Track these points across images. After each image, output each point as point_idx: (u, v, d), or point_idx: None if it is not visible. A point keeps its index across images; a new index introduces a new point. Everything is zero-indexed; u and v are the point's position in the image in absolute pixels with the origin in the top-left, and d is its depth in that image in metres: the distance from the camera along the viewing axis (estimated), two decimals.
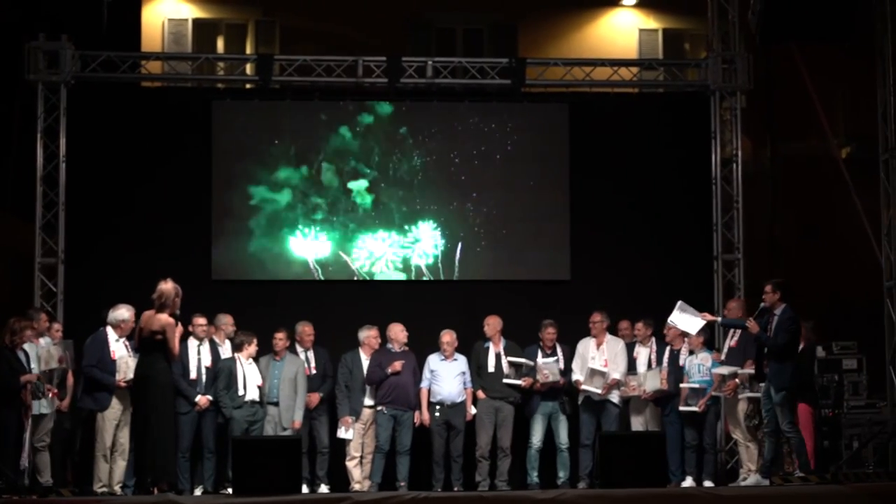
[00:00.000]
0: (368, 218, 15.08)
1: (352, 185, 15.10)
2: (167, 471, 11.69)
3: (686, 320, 12.97)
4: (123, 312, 12.65)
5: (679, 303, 12.99)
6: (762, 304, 12.43)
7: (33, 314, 12.87)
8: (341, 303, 14.85)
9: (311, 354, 13.98)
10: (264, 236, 14.98)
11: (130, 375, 12.35)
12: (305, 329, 14.00)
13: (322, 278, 14.97)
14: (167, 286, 11.61)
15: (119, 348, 12.62)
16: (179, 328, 11.73)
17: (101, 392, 12.49)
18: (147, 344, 11.56)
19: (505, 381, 13.89)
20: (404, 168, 15.15)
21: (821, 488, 11.71)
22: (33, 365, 12.36)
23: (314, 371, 13.91)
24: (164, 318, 11.51)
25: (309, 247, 15.01)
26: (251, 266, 14.97)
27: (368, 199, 15.11)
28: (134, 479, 12.48)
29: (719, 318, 13.23)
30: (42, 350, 12.51)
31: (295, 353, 13.88)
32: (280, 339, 13.73)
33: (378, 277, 15.04)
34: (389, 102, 15.19)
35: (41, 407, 12.50)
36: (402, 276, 15.08)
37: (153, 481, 11.64)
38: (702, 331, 13.35)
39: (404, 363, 13.83)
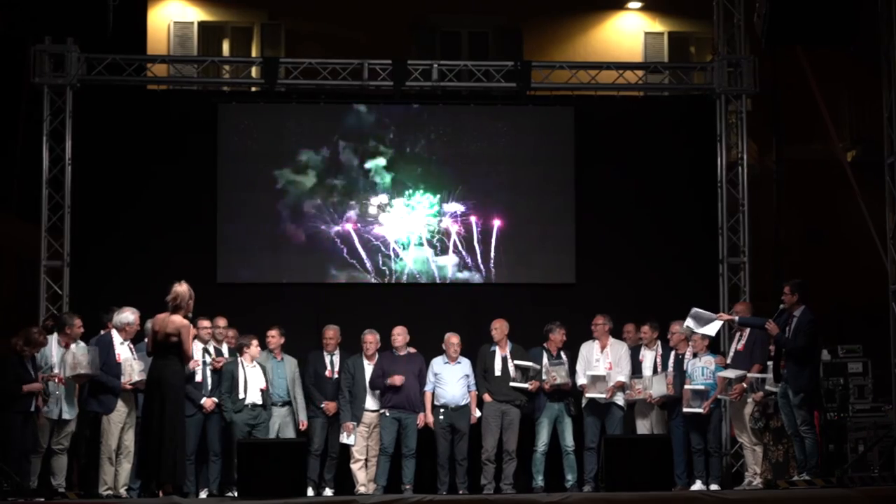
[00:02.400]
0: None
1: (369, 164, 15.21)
2: (177, 472, 11.69)
3: (702, 325, 12.97)
4: (128, 315, 12.66)
5: (693, 310, 13.00)
6: (781, 306, 12.44)
7: (67, 319, 12.79)
8: (347, 306, 14.85)
9: (335, 358, 14.01)
10: (271, 236, 15.01)
11: (136, 378, 12.38)
12: (328, 332, 14.03)
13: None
14: (182, 288, 11.60)
15: (124, 351, 12.64)
16: (193, 330, 11.76)
17: (107, 395, 12.49)
18: (162, 346, 11.55)
19: (512, 384, 13.88)
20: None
21: (826, 492, 11.72)
22: (56, 370, 12.36)
23: (336, 375, 13.95)
24: (180, 320, 11.53)
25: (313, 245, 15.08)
26: (256, 269, 14.97)
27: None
28: (139, 482, 12.51)
29: (736, 318, 13.20)
30: (68, 354, 12.48)
31: (294, 354, 13.92)
32: (273, 336, 13.75)
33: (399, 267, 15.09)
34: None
35: (65, 412, 12.48)
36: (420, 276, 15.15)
37: (160, 483, 11.65)
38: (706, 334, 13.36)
39: (408, 369, 13.85)
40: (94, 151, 14.79)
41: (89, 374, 12.41)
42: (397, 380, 13.73)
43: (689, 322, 13.03)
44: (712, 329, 13.10)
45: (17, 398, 11.98)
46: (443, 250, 15.15)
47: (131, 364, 12.48)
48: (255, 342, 13.53)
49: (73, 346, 12.60)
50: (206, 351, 13.49)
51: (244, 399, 13.35)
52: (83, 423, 12.93)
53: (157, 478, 11.64)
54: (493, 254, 15.16)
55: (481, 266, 15.14)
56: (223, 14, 17.71)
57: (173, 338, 11.45)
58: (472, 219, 15.18)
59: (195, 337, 13.25)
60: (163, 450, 11.42)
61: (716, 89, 15.28)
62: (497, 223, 15.19)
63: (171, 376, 11.53)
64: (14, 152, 16.04)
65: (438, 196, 15.20)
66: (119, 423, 12.50)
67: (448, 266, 15.14)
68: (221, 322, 13.81)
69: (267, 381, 13.49)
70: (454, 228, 15.16)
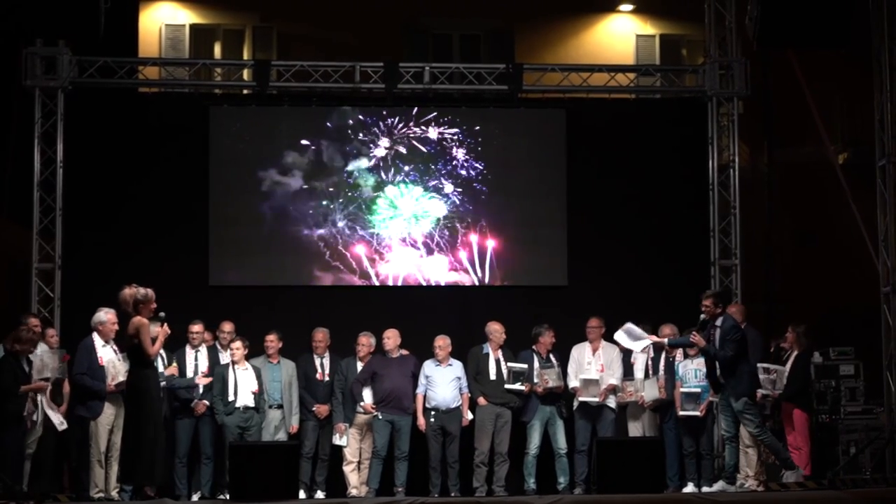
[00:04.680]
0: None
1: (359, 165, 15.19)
2: (152, 473, 11.68)
3: (629, 340, 13.00)
4: (101, 315, 12.57)
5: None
6: (702, 317, 12.53)
7: (24, 319, 12.79)
8: (339, 308, 14.83)
9: (326, 361, 14.00)
10: (263, 239, 15.00)
11: (120, 378, 12.27)
12: (317, 335, 14.02)
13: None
14: (125, 292, 11.59)
15: (106, 353, 12.51)
16: (166, 329, 11.72)
17: (93, 400, 12.37)
18: (130, 350, 11.60)
19: (507, 386, 13.87)
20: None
21: (818, 494, 11.75)
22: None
23: (327, 378, 13.93)
24: (137, 319, 11.50)
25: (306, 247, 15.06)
26: (249, 271, 14.96)
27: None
28: (132, 485, 12.50)
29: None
30: (36, 358, 12.43)
31: (286, 356, 13.91)
32: (271, 341, 13.74)
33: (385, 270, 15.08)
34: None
35: (61, 424, 12.48)
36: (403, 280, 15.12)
37: (139, 485, 11.64)
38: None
39: (399, 371, 13.84)
40: (85, 154, 14.77)
41: (57, 378, 12.34)
42: (369, 408, 13.74)
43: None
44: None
45: (14, 398, 11.95)
46: (432, 252, 15.14)
47: (115, 364, 12.35)
48: (236, 344, 13.48)
49: (37, 349, 12.59)
50: (197, 355, 13.51)
51: (234, 402, 13.33)
52: (73, 426, 12.91)
53: (133, 480, 11.65)
54: (484, 256, 15.15)
55: (470, 269, 15.13)
56: (215, 16, 17.70)
57: (135, 339, 11.47)
58: (463, 221, 15.17)
59: (186, 342, 13.30)
60: (140, 452, 11.41)
61: (707, 92, 15.29)
62: (488, 226, 15.18)
63: (140, 381, 11.53)
64: (5, 155, 16.01)
65: (428, 197, 15.20)
66: (107, 426, 12.43)
67: (438, 268, 15.13)
68: (227, 327, 13.79)
69: (260, 385, 13.46)
70: (445, 230, 15.15)
